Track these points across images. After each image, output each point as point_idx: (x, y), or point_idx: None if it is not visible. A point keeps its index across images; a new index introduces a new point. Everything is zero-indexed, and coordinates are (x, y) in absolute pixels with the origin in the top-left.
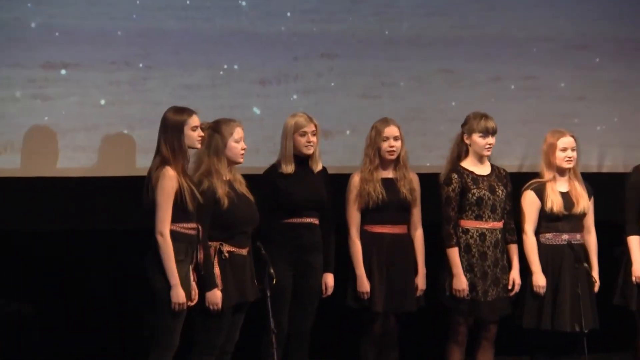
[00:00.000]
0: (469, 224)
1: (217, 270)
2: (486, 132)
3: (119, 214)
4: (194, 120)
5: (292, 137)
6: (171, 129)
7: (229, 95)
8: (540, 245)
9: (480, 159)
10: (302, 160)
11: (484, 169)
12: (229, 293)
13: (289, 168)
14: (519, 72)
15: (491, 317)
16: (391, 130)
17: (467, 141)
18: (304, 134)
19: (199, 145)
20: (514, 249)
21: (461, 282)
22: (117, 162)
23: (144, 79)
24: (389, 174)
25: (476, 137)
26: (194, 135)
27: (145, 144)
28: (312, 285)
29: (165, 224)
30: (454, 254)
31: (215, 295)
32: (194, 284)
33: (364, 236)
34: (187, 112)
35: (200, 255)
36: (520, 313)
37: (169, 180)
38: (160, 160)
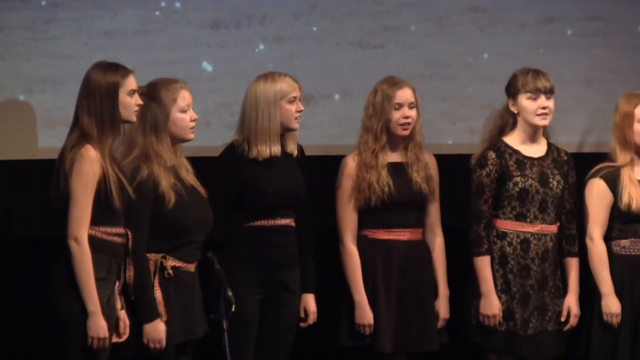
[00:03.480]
0: (507, 225)
1: (158, 294)
2: (536, 92)
3: (14, 213)
4: (132, 82)
5: (279, 106)
6: (102, 94)
7: (168, 45)
8: (612, 257)
9: (534, 134)
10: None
11: (536, 149)
12: (174, 326)
13: (274, 149)
14: (580, 11)
15: (534, 357)
16: (405, 95)
17: (512, 108)
18: (293, 100)
19: (134, 119)
20: (573, 264)
21: (492, 304)
22: (10, 141)
23: (46, 23)
24: (397, 156)
25: (523, 100)
26: (130, 103)
27: (50, 115)
28: (288, 315)
29: (82, 226)
30: (483, 264)
31: (157, 329)
32: (122, 314)
33: (364, 245)
34: (121, 70)
35: (130, 274)
36: (586, 351)
37: (90, 164)
38: (79, 136)
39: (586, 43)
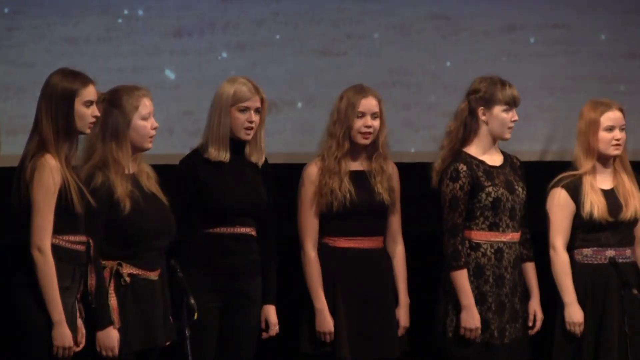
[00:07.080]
0: (480, 236)
1: (113, 301)
2: (513, 104)
3: None
4: (89, 93)
5: (229, 112)
6: (57, 99)
7: (131, 53)
8: (575, 266)
9: (493, 144)
10: (237, 146)
11: (496, 158)
12: (131, 334)
13: (221, 154)
14: (543, 19)
15: None
16: (369, 104)
17: (483, 117)
18: (244, 109)
19: (88, 130)
20: (531, 268)
21: (473, 317)
22: None
23: (9, 30)
24: (359, 165)
25: (499, 111)
26: (85, 114)
27: (12, 122)
28: (248, 323)
29: (44, 235)
30: (462, 278)
31: (110, 336)
32: (79, 322)
33: (325, 253)
34: (80, 79)
35: (92, 281)
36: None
37: (50, 173)
38: (38, 144)
39: (549, 51)
